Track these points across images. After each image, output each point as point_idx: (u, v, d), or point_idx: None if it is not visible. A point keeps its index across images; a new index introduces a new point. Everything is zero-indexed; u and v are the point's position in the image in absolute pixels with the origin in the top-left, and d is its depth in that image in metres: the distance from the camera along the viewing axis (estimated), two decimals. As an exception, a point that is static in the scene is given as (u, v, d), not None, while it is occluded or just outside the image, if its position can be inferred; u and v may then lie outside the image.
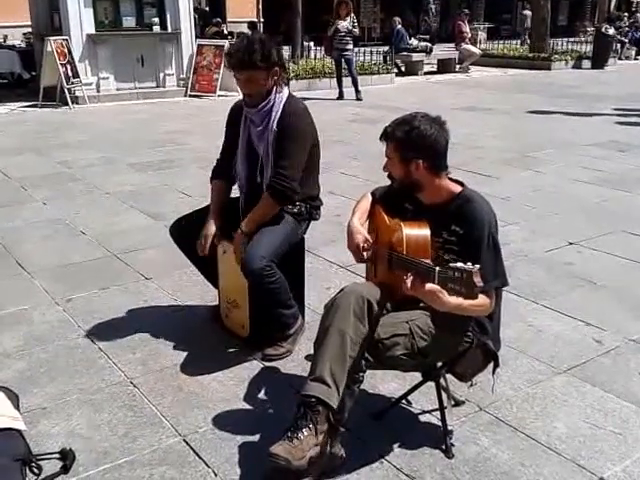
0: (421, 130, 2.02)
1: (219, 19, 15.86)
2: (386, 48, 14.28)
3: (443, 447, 2.15)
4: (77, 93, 9.65)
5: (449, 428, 2.19)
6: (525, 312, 3.16)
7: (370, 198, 2.35)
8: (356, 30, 10.23)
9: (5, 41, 12.75)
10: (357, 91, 10.35)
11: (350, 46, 10.20)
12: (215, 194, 2.87)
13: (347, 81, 10.41)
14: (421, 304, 2.05)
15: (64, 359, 2.73)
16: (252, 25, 15.07)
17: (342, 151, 6.64)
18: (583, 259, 3.87)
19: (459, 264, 1.76)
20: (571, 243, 4.12)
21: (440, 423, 2.20)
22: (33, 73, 11.40)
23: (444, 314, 1.97)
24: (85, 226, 4.42)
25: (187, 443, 2.20)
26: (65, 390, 2.51)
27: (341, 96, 10.38)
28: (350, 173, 5.83)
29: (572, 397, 2.47)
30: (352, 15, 10.21)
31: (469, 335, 2.07)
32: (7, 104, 9.85)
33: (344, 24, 9.97)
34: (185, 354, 2.77)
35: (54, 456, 2.10)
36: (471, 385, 2.26)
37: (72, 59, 9.46)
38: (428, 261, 1.92)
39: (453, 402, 2.32)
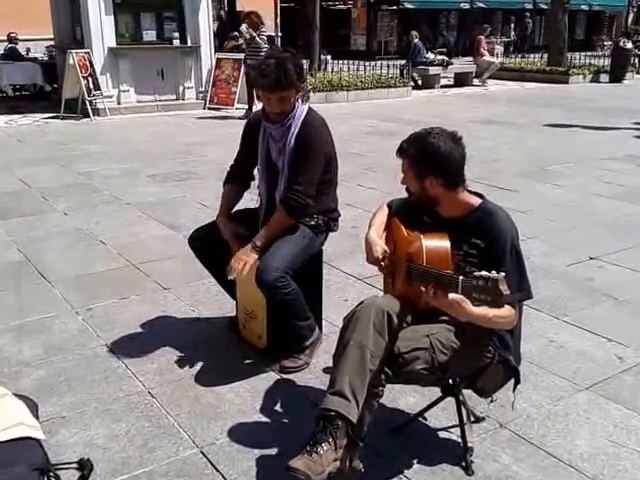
0: (434, 147, 2.01)
1: (237, 33, 16.01)
2: (403, 62, 14.34)
3: (463, 464, 2.12)
4: (98, 105, 9.80)
5: (469, 444, 2.15)
6: (546, 327, 3.12)
7: (386, 210, 2.34)
8: (258, 40, 9.44)
9: (28, 54, 13.00)
10: (247, 108, 9.66)
11: None
12: (225, 195, 2.88)
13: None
14: (441, 317, 2.03)
15: (83, 368, 2.75)
16: (270, 39, 15.20)
17: (359, 163, 6.64)
18: (604, 274, 3.81)
19: (484, 272, 1.74)
20: (592, 258, 4.07)
21: (460, 439, 2.18)
22: (55, 85, 11.61)
23: (465, 328, 1.95)
24: (105, 236, 4.47)
25: (204, 455, 2.20)
26: (83, 400, 2.52)
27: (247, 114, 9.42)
28: (367, 185, 5.83)
29: (594, 414, 2.42)
30: (260, 28, 9.62)
31: (490, 350, 2.05)
32: (29, 115, 10.04)
33: (243, 28, 9.55)
34: (202, 365, 2.77)
35: (72, 466, 2.10)
36: (491, 401, 2.23)
37: (94, 72, 9.62)
38: (450, 271, 1.90)
39: (473, 418, 2.29)
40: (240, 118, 9.46)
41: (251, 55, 9.59)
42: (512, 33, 24.83)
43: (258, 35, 9.47)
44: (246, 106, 9.88)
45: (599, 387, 2.61)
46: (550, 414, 2.42)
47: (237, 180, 2.90)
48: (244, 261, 2.58)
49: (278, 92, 2.57)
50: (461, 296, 1.79)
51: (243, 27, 9.70)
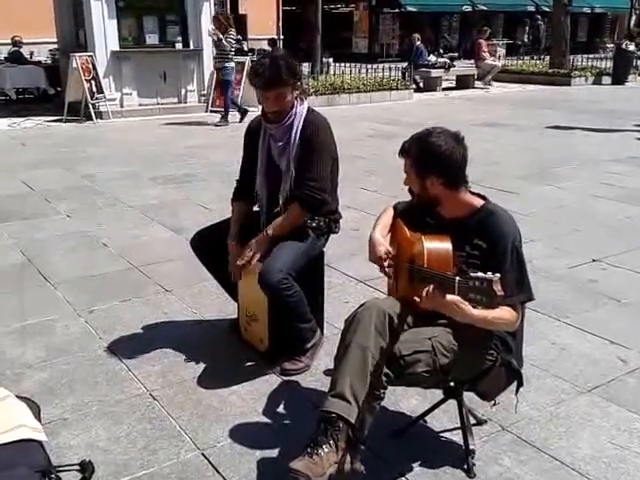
0: (436, 146, 2.01)
1: (240, 36, 16.07)
2: (405, 64, 14.35)
3: (465, 467, 2.12)
4: (101, 108, 9.83)
5: (471, 447, 2.15)
6: (548, 330, 3.11)
7: (392, 212, 2.34)
8: (225, 43, 9.25)
9: (32, 57, 13.06)
10: (223, 116, 9.45)
11: (228, 64, 9.38)
12: (235, 216, 2.86)
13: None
14: (441, 320, 2.03)
15: (85, 370, 2.75)
16: (272, 42, 15.24)
17: (361, 166, 6.65)
18: (607, 276, 3.80)
19: (479, 273, 1.75)
20: (594, 260, 4.06)
21: (462, 442, 2.17)
22: (58, 88, 11.64)
23: (467, 331, 1.95)
24: (107, 238, 4.47)
25: (206, 457, 2.19)
26: (85, 402, 2.52)
27: (242, 115, 9.47)
28: (368, 188, 5.84)
29: (597, 417, 2.42)
30: (229, 31, 9.34)
31: (492, 353, 2.04)
32: (33, 118, 10.06)
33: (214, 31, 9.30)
34: (204, 367, 2.77)
35: (74, 468, 2.09)
36: (494, 404, 2.23)
37: (96, 75, 9.65)
38: (450, 272, 1.90)
39: (475, 421, 2.29)
40: (241, 121, 9.47)
41: (218, 58, 9.55)
42: (526, 35, 24.90)
43: (225, 38, 9.34)
44: (249, 108, 9.63)
45: (602, 389, 2.60)
46: (552, 417, 2.42)
47: (245, 196, 2.87)
48: (255, 251, 2.65)
49: (273, 89, 2.60)
50: (458, 297, 1.80)
51: (210, 28, 9.58)
